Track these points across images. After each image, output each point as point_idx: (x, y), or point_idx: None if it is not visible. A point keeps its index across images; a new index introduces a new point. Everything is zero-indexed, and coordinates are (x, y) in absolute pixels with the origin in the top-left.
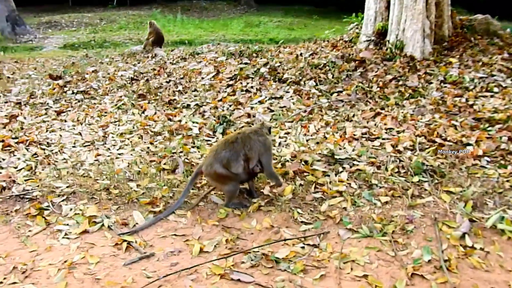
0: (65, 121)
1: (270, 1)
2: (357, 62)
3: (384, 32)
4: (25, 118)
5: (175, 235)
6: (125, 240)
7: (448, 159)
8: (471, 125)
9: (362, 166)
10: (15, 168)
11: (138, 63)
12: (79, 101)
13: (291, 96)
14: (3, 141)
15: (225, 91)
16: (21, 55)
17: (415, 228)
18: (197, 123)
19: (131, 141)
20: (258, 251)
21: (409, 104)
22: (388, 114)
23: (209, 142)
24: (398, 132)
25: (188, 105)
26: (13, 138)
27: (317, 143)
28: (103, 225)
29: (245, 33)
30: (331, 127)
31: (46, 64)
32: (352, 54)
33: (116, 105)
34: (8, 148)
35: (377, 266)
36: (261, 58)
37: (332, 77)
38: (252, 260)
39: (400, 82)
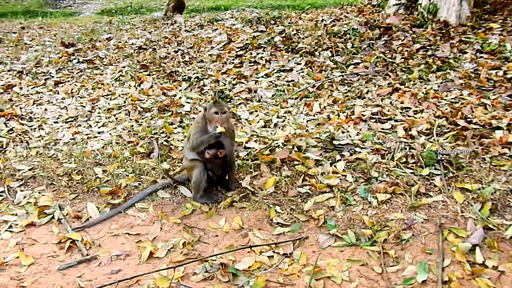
0: (58, 93)
1: None
2: (382, 29)
3: None
4: (21, 88)
5: (128, 233)
6: (69, 238)
7: (470, 146)
8: (505, 104)
9: (363, 154)
10: None
11: (155, 30)
12: (81, 71)
13: (301, 69)
14: None
15: (232, 62)
16: (56, 20)
17: (413, 236)
18: (191, 98)
19: (116, 118)
20: (215, 260)
21: (435, 78)
22: (407, 91)
23: None
24: (416, 112)
25: (189, 78)
26: None
27: (318, 124)
28: (53, 217)
29: None
30: (338, 106)
31: (68, 30)
32: (378, 20)
33: (115, 76)
34: None
35: (356, 287)
36: (278, 26)
37: (352, 47)
38: (206, 271)
39: (429, 52)
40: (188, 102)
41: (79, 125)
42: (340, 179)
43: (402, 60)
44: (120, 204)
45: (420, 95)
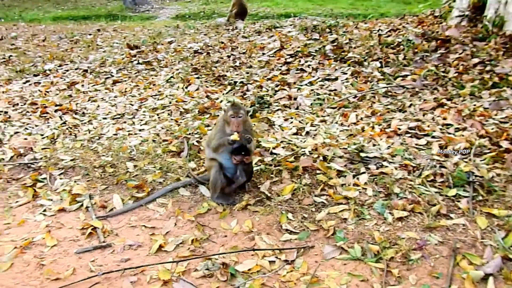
0: (112, 91)
1: None
2: (439, 41)
3: (481, 6)
4: (82, 85)
5: (144, 226)
6: (92, 225)
7: (508, 171)
8: None
9: (389, 169)
10: (42, 135)
11: (215, 35)
12: (138, 72)
13: (346, 79)
14: (46, 106)
15: (280, 69)
16: (133, 24)
17: (422, 257)
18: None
19: (159, 117)
20: (218, 259)
21: (488, 96)
22: (453, 107)
23: None
24: (457, 130)
25: (235, 82)
26: (56, 105)
27: (350, 135)
28: (82, 205)
29: (355, 7)
30: (376, 118)
31: (137, 34)
32: (437, 31)
33: (167, 78)
34: (45, 115)
35: None
36: (332, 34)
37: (403, 58)
38: (207, 269)
39: (487, 68)
40: (227, 105)
41: (124, 122)
42: (360, 192)
43: (456, 74)
44: (143, 198)
45: (465, 112)
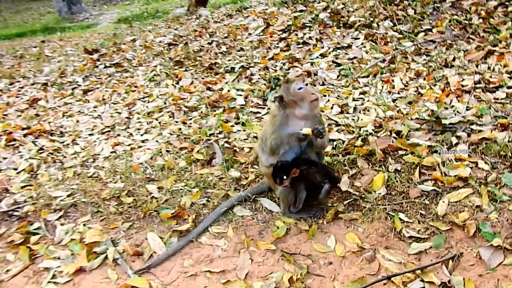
0: (88, 101)
1: None
2: None
3: None
4: (47, 101)
5: (209, 271)
6: (133, 286)
7: None
8: None
9: (488, 133)
10: (15, 169)
11: (180, 26)
12: (109, 76)
13: (362, 44)
14: (10, 133)
15: (277, 47)
16: (75, 33)
17: None
18: (242, 90)
19: (159, 122)
20: None
21: None
22: (506, 51)
23: (258, 115)
24: None
25: (232, 69)
26: (23, 129)
27: (410, 102)
28: (106, 257)
29: None
30: (425, 78)
31: (89, 39)
32: None
33: (148, 76)
34: (13, 143)
35: None
36: (319, 2)
37: (414, 13)
38: None
39: (510, 8)
40: (240, 95)
41: (118, 135)
42: (471, 168)
43: (481, 20)
44: (189, 230)
45: None
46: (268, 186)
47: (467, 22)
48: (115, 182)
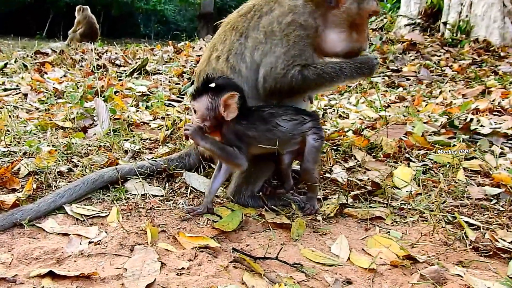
0: None
1: None
2: (405, 44)
3: (435, 12)
4: None
5: (53, 276)
6: None
7: None
8: None
9: None
10: None
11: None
12: None
13: None
14: None
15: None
16: None
17: None
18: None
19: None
20: None
21: None
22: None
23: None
24: None
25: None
26: None
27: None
28: None
29: None
30: (415, 99)
31: None
32: (394, 38)
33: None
34: None
35: None
36: None
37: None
38: None
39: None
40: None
41: None
42: None
43: (455, 72)
44: (17, 205)
45: None
46: (201, 155)
47: (439, 70)
48: None
